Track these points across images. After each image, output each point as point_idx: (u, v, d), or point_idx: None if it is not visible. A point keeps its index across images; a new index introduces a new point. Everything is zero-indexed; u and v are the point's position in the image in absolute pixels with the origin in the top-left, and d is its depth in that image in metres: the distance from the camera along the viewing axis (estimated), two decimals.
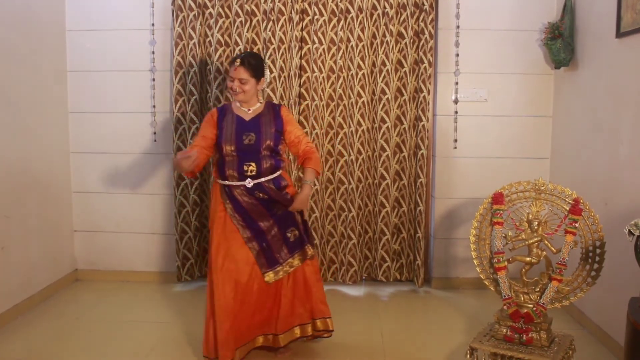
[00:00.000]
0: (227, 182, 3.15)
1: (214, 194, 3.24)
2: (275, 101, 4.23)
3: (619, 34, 3.30)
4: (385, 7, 4.20)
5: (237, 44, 4.24)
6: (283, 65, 4.24)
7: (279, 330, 3.23)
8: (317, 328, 3.34)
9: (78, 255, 4.62)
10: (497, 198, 3.25)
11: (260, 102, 3.27)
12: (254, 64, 3.14)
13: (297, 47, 4.24)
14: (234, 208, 3.15)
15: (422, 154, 4.27)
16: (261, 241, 3.16)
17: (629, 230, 2.37)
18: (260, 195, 3.14)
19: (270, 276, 3.17)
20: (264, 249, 3.17)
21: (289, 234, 3.22)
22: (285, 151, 3.38)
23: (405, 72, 4.25)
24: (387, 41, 4.21)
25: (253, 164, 3.11)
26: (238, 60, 3.11)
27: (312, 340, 3.42)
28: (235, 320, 3.08)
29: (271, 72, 4.22)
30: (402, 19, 4.22)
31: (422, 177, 4.29)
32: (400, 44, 4.24)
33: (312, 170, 3.24)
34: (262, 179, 3.13)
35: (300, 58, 4.25)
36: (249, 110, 3.21)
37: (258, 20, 4.25)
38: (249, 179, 3.11)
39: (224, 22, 4.25)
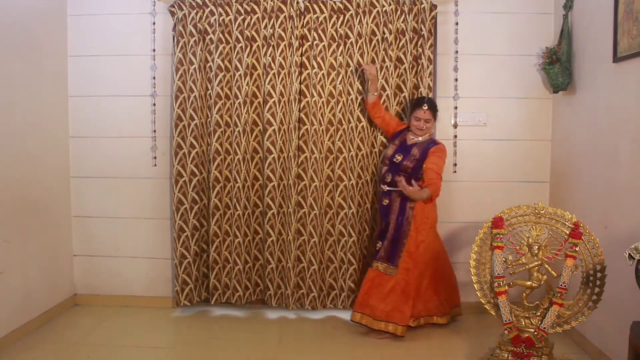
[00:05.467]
0: None
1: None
2: (275, 126, 4.25)
3: (616, 59, 3.33)
4: (384, 33, 4.24)
5: (237, 69, 4.27)
6: (283, 90, 4.27)
7: None
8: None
9: (77, 280, 4.60)
10: (497, 222, 3.25)
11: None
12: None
13: (296, 72, 4.27)
14: None
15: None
16: None
17: (629, 254, 2.37)
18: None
19: None
20: None
21: None
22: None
23: (404, 97, 4.26)
24: (386, 66, 4.24)
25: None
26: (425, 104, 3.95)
27: None
28: None
29: (271, 97, 4.24)
30: (401, 44, 4.25)
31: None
32: (399, 69, 4.27)
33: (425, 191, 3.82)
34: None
35: (300, 83, 4.28)
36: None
37: (258, 46, 4.29)
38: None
39: (224, 48, 4.29)
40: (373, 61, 4.27)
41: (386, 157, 4.06)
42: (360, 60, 4.23)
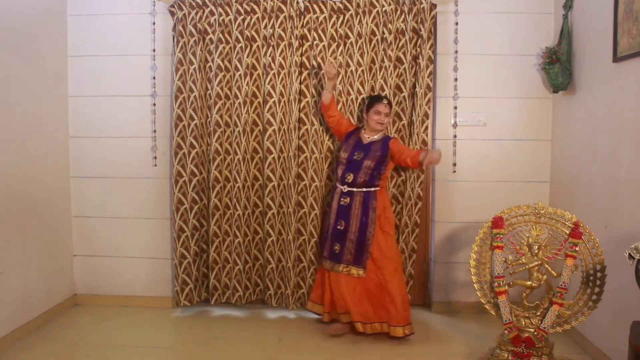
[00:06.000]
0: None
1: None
2: (275, 126, 4.25)
3: (616, 59, 3.33)
4: (384, 33, 4.23)
5: (237, 69, 4.27)
6: (283, 90, 4.27)
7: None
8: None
9: (77, 280, 4.60)
10: (497, 222, 3.25)
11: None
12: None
13: (296, 72, 4.26)
14: None
15: (421, 178, 4.27)
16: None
17: (629, 254, 2.37)
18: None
19: None
20: None
21: None
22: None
23: (404, 96, 4.26)
24: (385, 66, 4.24)
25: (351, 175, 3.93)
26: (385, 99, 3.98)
27: None
28: None
29: (271, 97, 4.24)
30: (400, 44, 4.25)
31: (422, 201, 4.28)
32: (399, 69, 4.27)
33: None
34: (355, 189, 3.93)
35: (300, 83, 4.28)
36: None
37: (258, 46, 4.29)
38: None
39: (224, 48, 4.29)
40: (373, 61, 4.27)
41: (343, 157, 3.99)
42: (360, 60, 4.23)
